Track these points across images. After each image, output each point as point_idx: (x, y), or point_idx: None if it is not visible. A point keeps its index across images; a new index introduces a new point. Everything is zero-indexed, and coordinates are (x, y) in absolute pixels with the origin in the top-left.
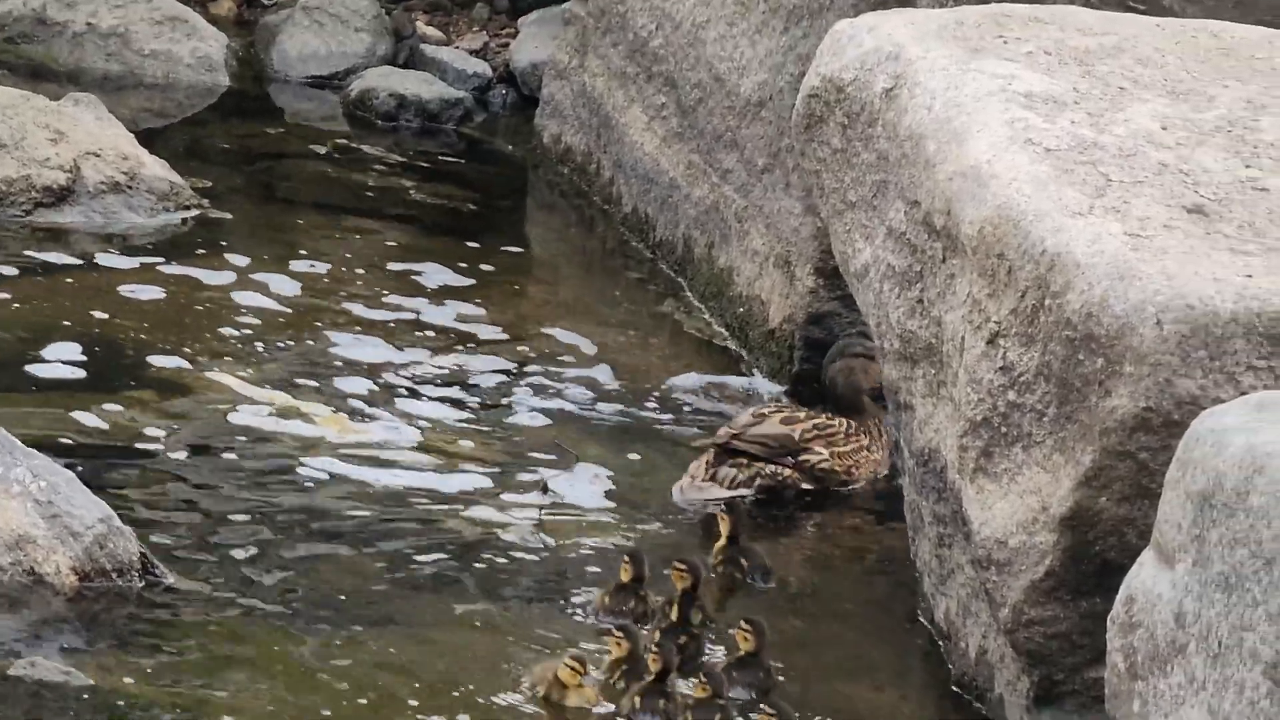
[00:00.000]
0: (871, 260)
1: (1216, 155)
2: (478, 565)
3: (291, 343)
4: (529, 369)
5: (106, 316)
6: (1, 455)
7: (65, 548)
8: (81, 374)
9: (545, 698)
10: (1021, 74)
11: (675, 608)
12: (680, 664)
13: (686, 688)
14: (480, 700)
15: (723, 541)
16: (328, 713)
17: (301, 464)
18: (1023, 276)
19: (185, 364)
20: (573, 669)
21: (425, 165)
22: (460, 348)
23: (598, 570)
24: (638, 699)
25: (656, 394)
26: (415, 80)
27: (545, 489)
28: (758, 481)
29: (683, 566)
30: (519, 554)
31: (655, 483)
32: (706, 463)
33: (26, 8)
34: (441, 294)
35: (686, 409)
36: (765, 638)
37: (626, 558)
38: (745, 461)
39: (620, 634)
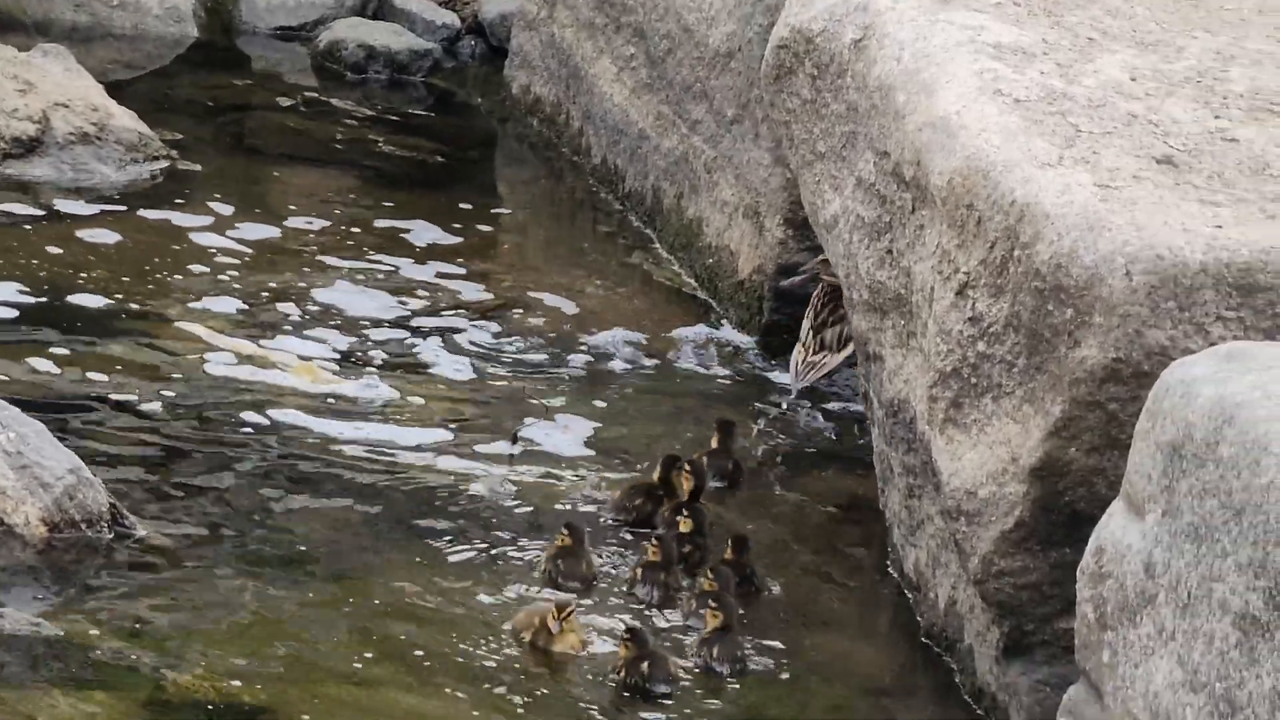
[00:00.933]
0: (841, 211)
1: (1186, 106)
2: (448, 515)
3: (262, 293)
4: (498, 320)
5: (75, 267)
6: None
7: (34, 499)
8: (50, 325)
9: (531, 643)
10: (990, 25)
11: (687, 517)
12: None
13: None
14: (459, 645)
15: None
16: (299, 662)
17: (272, 414)
18: (992, 227)
19: (155, 314)
20: (560, 617)
21: (394, 117)
22: (430, 299)
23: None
24: (639, 570)
25: (626, 343)
26: (384, 31)
27: (515, 439)
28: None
29: (689, 469)
30: (489, 504)
31: (624, 431)
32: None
33: None
34: (410, 245)
35: (658, 359)
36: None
37: (564, 529)
38: (838, 315)
39: (629, 635)
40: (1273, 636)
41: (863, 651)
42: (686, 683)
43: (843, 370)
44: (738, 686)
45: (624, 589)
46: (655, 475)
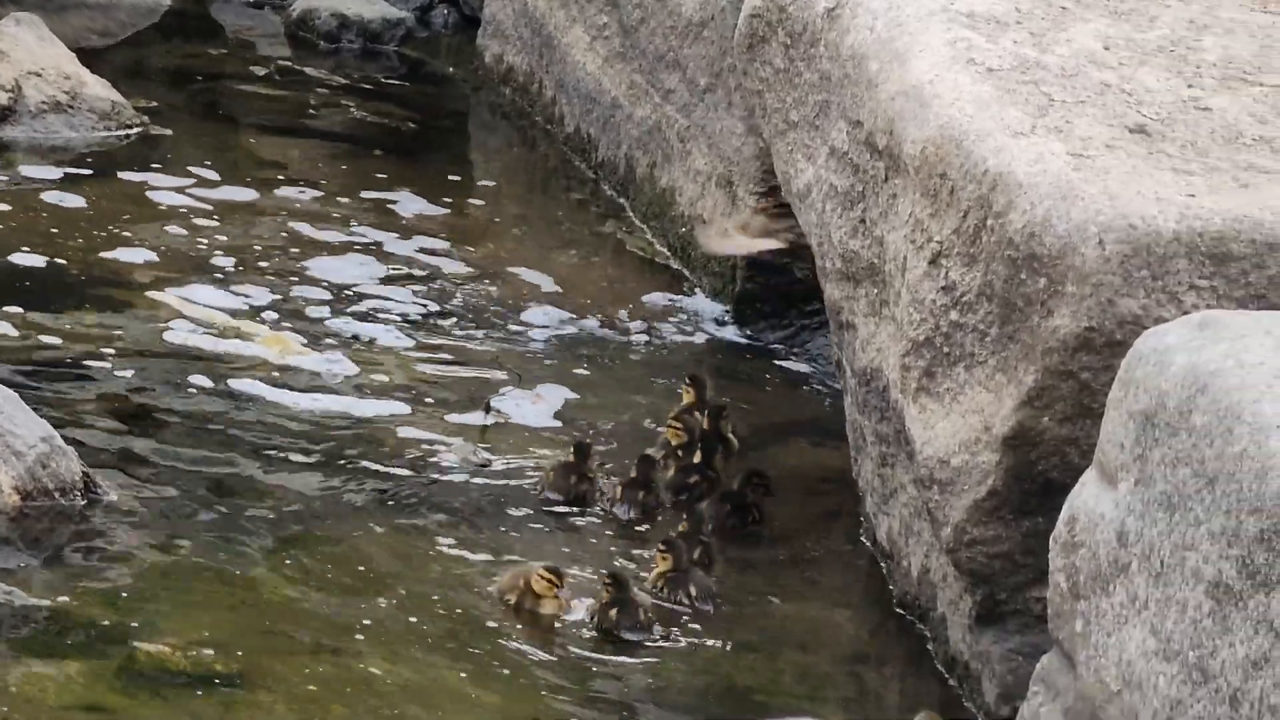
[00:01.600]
0: (814, 180)
1: (1159, 75)
2: (420, 484)
3: (233, 261)
4: (470, 289)
5: (46, 234)
6: None
7: (7, 467)
8: (19, 291)
9: (515, 606)
10: None
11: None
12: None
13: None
14: (432, 614)
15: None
16: (272, 630)
17: (242, 383)
18: (965, 196)
19: (127, 282)
20: (548, 581)
21: (367, 86)
22: (402, 268)
23: (537, 487)
24: (619, 489)
25: (598, 313)
26: (357, 0)
27: (488, 408)
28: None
29: (689, 383)
30: (461, 472)
31: (597, 400)
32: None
33: None
34: (383, 214)
35: (631, 329)
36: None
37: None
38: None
39: (664, 547)
40: (1245, 605)
41: (835, 620)
42: (661, 635)
43: (815, 339)
44: (709, 654)
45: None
46: (704, 424)
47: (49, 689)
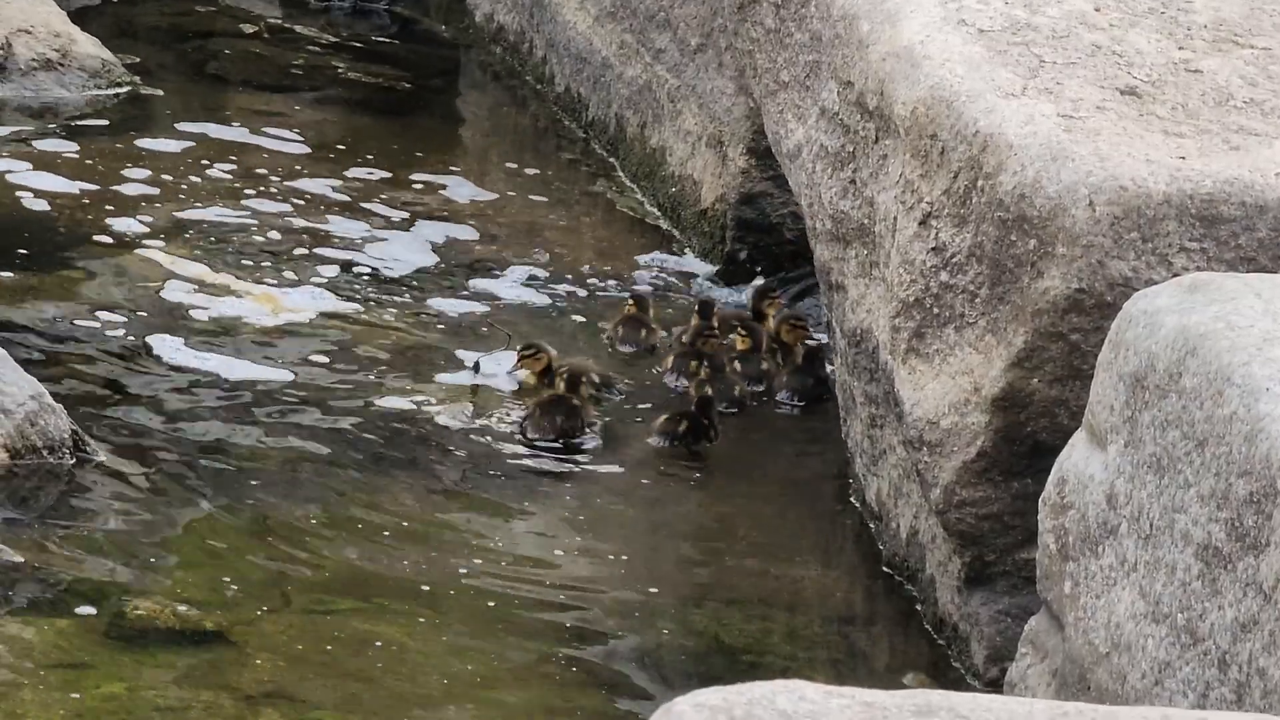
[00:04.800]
0: (804, 140)
1: (1150, 37)
2: (409, 444)
3: (224, 219)
4: (461, 249)
5: (35, 192)
6: None
7: None
8: (7, 248)
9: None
10: None
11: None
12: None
13: None
14: (419, 572)
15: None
16: (261, 589)
17: (233, 342)
18: (955, 157)
19: (116, 240)
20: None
21: (357, 44)
22: (392, 228)
23: (526, 447)
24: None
25: (589, 273)
26: None
27: (477, 368)
28: None
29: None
30: (450, 432)
31: (587, 362)
32: None
33: None
34: (373, 174)
35: (617, 286)
36: None
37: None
38: None
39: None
40: (1234, 568)
41: (824, 581)
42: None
43: (805, 301)
44: (698, 615)
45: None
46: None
47: (36, 646)
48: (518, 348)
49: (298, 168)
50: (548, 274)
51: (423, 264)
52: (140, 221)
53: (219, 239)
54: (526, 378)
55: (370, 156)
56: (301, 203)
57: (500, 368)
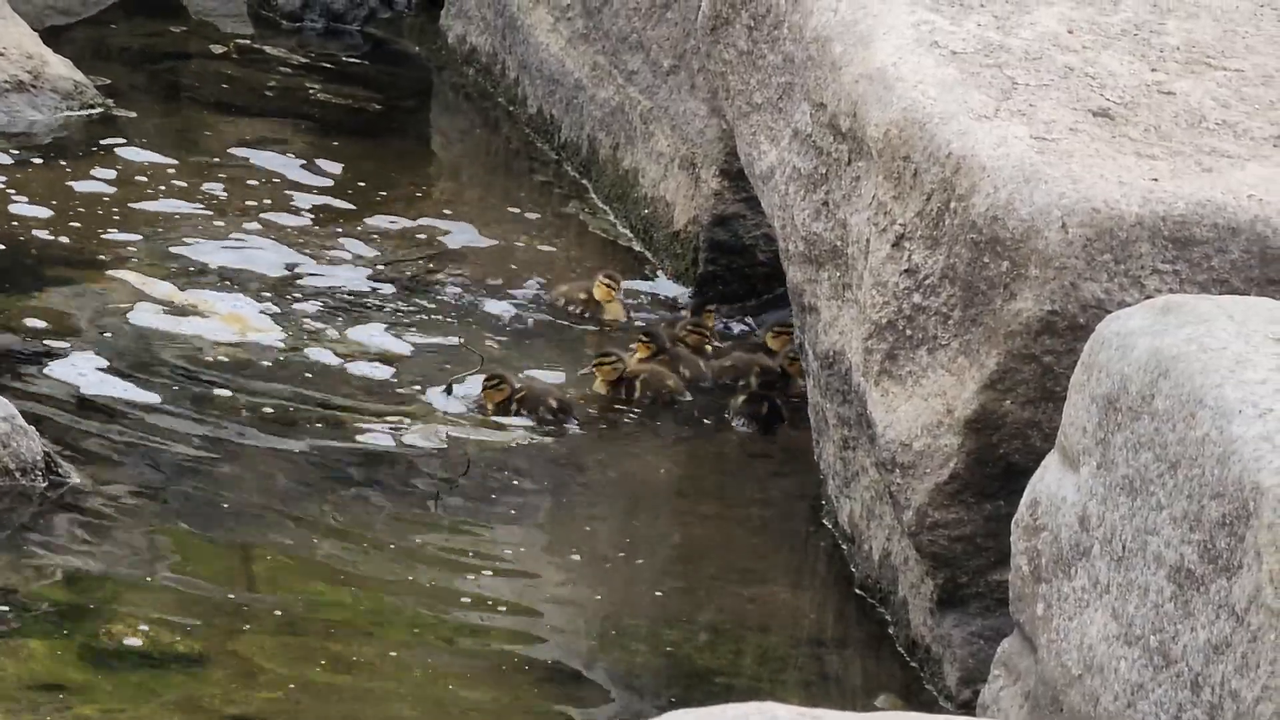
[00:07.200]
0: (777, 162)
1: (1122, 59)
2: (382, 465)
3: (194, 242)
4: (433, 271)
5: (6, 214)
6: None
7: None
8: None
9: (582, 313)
10: None
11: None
12: None
13: None
14: (393, 593)
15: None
16: (235, 611)
17: (203, 363)
18: (928, 179)
19: (87, 261)
20: (609, 285)
21: (329, 66)
22: (364, 249)
23: (501, 469)
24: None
25: (561, 295)
26: None
27: (450, 390)
28: None
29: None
30: (424, 454)
31: (559, 383)
32: None
33: None
34: (344, 195)
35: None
36: None
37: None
38: None
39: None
40: (1207, 590)
41: (796, 603)
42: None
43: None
44: (669, 637)
45: None
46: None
47: (8, 668)
48: (482, 378)
49: (269, 189)
50: (520, 296)
51: (394, 286)
52: (111, 243)
53: (189, 261)
54: (490, 410)
55: (342, 179)
56: (272, 224)
57: (473, 390)
